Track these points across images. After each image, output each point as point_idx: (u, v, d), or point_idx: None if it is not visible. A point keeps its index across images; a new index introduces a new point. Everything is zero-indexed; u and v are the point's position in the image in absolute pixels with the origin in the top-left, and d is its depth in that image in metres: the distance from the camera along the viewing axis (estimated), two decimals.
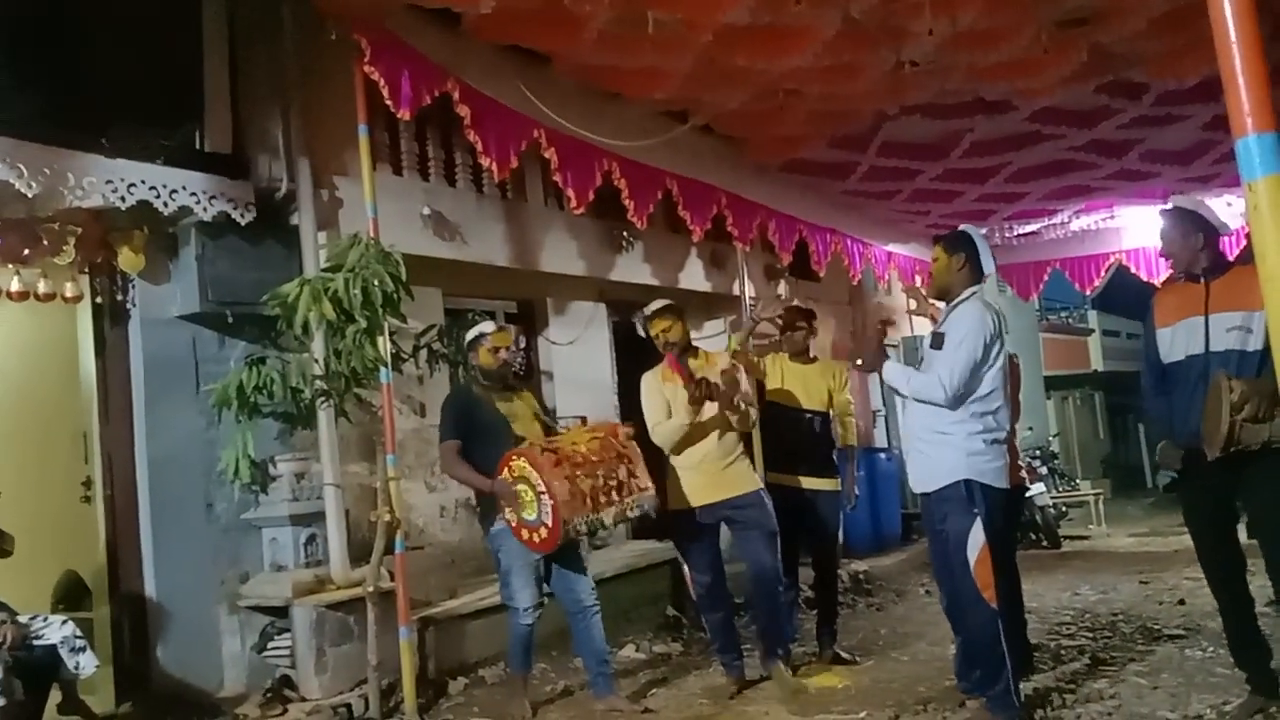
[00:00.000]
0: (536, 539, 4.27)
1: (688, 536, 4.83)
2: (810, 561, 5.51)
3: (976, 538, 3.83)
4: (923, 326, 10.48)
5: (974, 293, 4.05)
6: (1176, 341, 3.85)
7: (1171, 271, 4.09)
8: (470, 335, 4.78)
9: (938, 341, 4.00)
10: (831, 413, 5.42)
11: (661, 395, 4.75)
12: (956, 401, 3.87)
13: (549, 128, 5.73)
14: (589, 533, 4.46)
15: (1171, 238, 3.89)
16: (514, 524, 4.33)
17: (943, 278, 4.15)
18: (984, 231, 4.30)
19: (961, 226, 4.31)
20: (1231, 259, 3.90)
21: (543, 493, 4.17)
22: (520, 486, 4.26)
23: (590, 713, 4.64)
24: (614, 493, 4.36)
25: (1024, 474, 6.54)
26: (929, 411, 3.99)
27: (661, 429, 4.72)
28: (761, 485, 4.83)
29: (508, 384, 4.80)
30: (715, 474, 4.72)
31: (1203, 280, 3.82)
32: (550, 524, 4.18)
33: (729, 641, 4.94)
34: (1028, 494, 9.33)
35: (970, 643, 4.06)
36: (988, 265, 4.12)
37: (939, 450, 3.95)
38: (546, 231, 6.90)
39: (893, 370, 4.15)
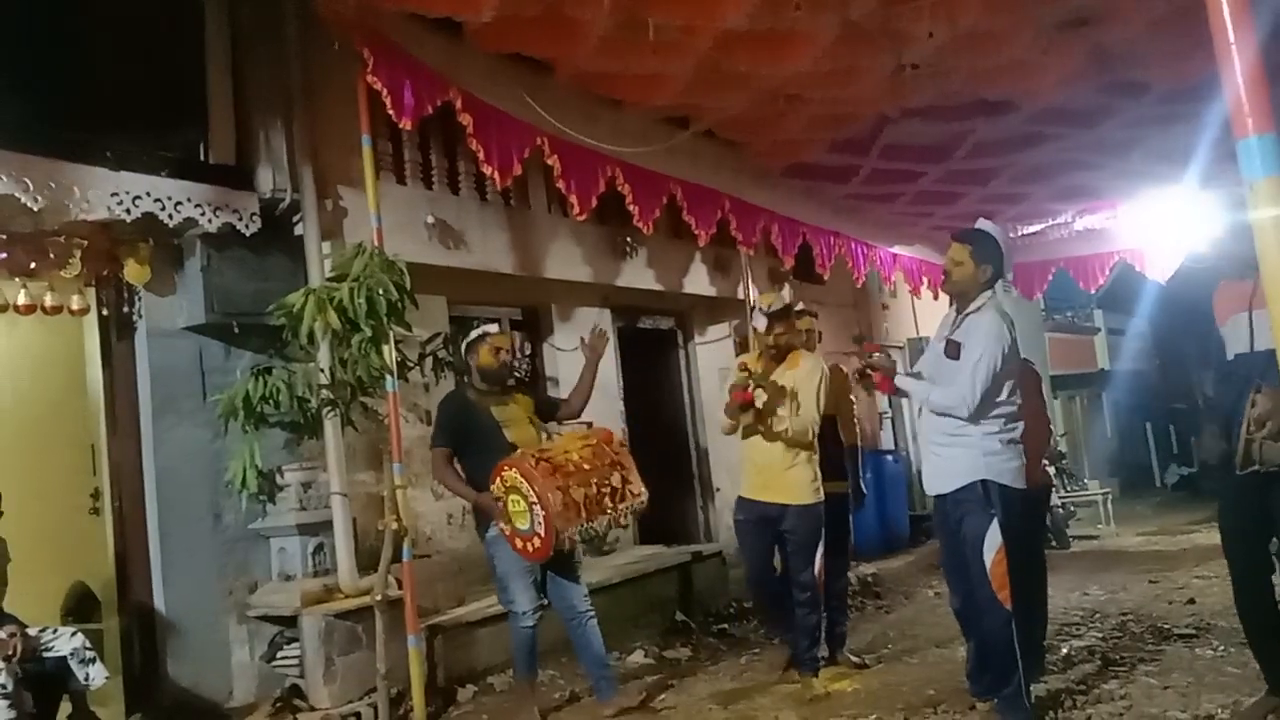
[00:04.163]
0: (530, 548, 4.30)
1: (738, 523, 4.99)
2: None
3: (994, 539, 3.81)
4: (927, 327, 10.44)
5: (990, 299, 3.99)
6: (1229, 340, 3.76)
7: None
8: (473, 335, 4.80)
9: (953, 350, 3.94)
10: (836, 415, 5.42)
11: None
12: (977, 415, 3.84)
13: (551, 135, 5.74)
14: (583, 540, 4.47)
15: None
16: (508, 532, 4.35)
17: (965, 282, 4.02)
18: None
19: (982, 225, 4.14)
20: None
21: (534, 503, 4.18)
22: (512, 497, 4.28)
23: (598, 718, 4.63)
24: (607, 500, 4.37)
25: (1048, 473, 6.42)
26: None
27: None
28: (812, 500, 4.75)
29: (505, 387, 4.81)
30: (763, 475, 4.78)
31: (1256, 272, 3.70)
32: (543, 534, 4.20)
33: (775, 628, 5.29)
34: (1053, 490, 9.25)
35: (983, 644, 4.04)
36: (1009, 271, 4.07)
37: (956, 451, 3.92)
38: (550, 238, 6.91)
39: (909, 385, 4.13)
